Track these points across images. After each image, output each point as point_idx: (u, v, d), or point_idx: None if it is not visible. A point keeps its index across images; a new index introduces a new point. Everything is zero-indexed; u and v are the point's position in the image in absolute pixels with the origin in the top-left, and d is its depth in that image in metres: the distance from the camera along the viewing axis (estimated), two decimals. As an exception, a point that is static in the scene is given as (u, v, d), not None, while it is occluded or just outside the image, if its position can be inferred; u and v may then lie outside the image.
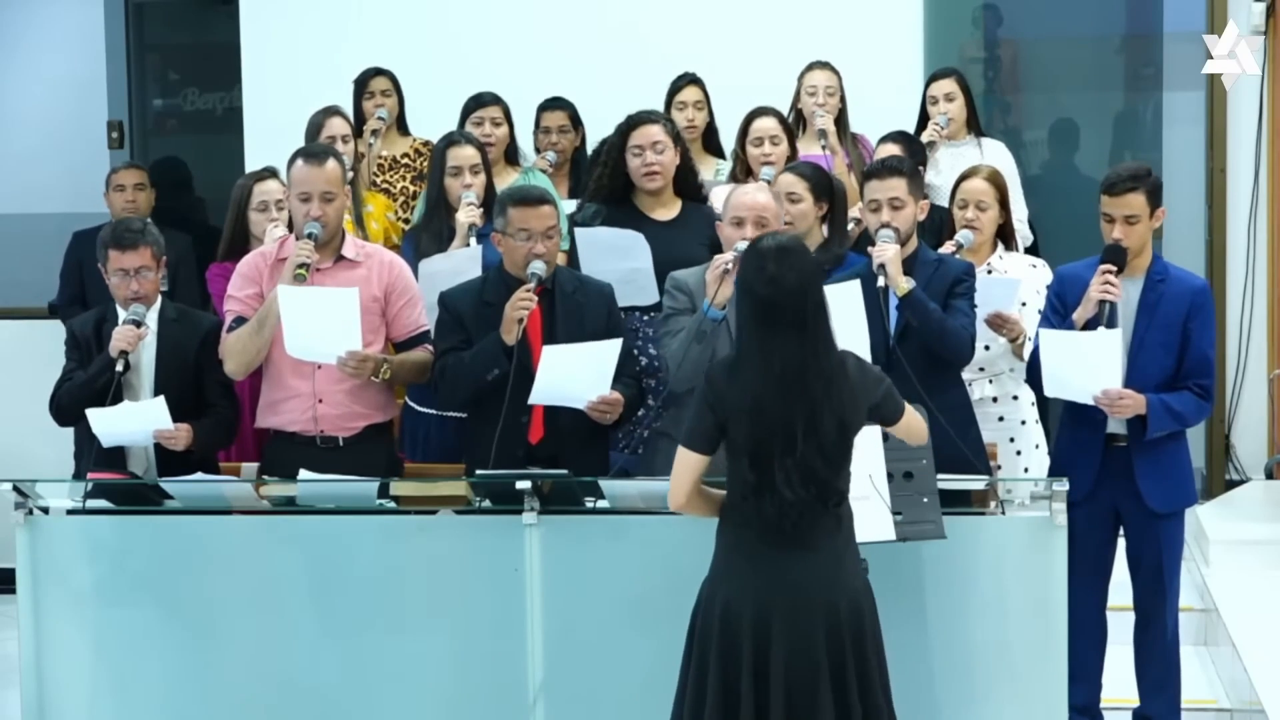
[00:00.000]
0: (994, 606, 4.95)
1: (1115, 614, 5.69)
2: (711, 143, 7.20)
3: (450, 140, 6.46)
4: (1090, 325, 5.38)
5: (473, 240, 6.15)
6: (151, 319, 5.75)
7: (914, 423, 4.54)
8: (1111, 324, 5.36)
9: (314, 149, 5.82)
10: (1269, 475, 8.03)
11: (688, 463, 4.40)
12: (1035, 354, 5.53)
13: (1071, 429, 5.61)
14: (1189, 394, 5.43)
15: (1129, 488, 5.45)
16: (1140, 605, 5.60)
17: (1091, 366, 5.32)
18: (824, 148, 7.03)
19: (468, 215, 6.21)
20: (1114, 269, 5.38)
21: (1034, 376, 5.60)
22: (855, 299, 5.30)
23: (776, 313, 4.29)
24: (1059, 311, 5.53)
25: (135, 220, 5.99)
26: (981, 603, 4.95)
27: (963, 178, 6.25)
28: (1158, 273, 5.49)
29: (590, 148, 7.06)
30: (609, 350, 5.28)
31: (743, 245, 5.40)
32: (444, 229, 6.28)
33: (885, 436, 4.70)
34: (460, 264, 5.98)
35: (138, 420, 5.59)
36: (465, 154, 6.37)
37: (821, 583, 4.32)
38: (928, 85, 7.35)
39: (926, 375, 5.29)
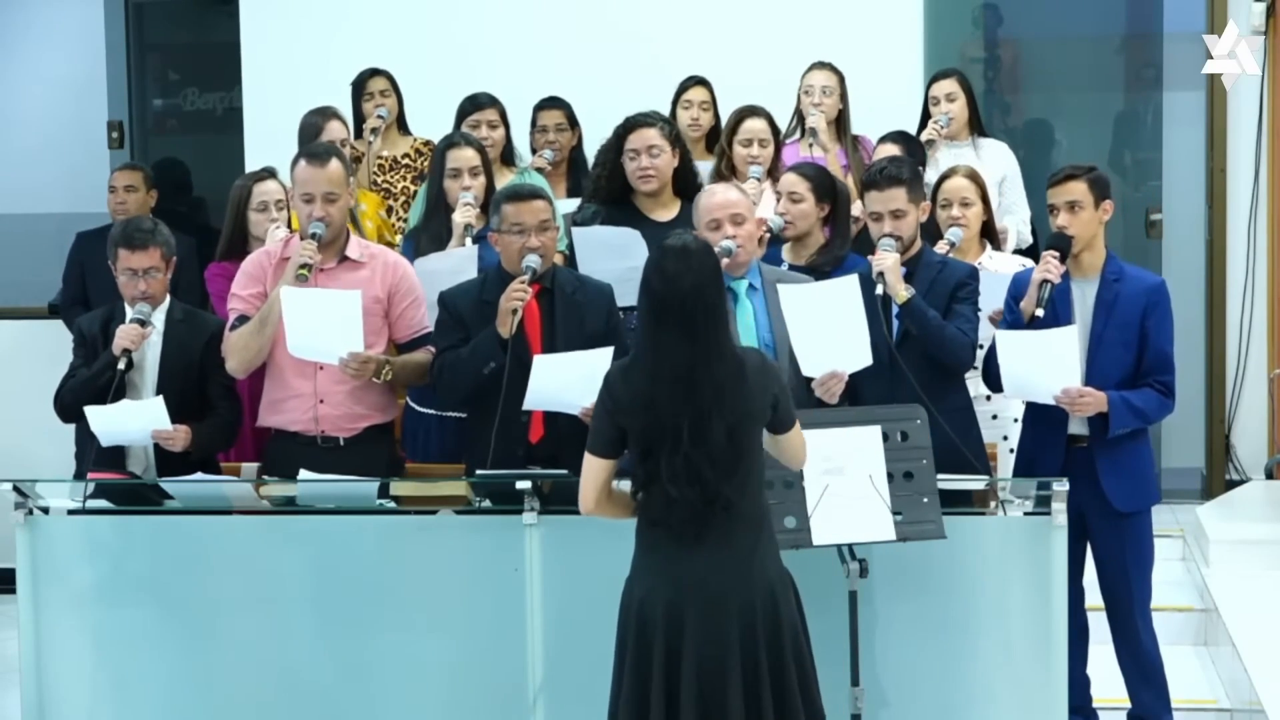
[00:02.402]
0: (994, 606, 4.96)
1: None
2: (715, 144, 7.20)
3: (450, 142, 6.46)
4: (1043, 322, 5.40)
5: (468, 240, 6.15)
6: (158, 319, 5.75)
7: (797, 444, 4.47)
8: (1056, 314, 5.38)
9: (316, 149, 5.78)
10: (1269, 475, 8.03)
11: (592, 467, 4.38)
12: (991, 352, 5.54)
13: (1033, 428, 5.63)
14: (1150, 391, 5.45)
15: (1092, 488, 5.43)
16: (1110, 606, 5.59)
17: (1050, 365, 5.34)
18: (810, 146, 7.02)
19: (464, 215, 6.21)
20: (1057, 253, 5.43)
21: (989, 375, 5.60)
22: (853, 294, 5.30)
23: (669, 312, 4.25)
24: (1015, 313, 5.55)
25: (146, 220, 5.95)
26: (981, 603, 4.96)
27: (943, 178, 6.29)
28: (1113, 272, 5.52)
29: (589, 148, 7.06)
30: (600, 359, 5.28)
31: (727, 244, 5.41)
32: (443, 231, 6.28)
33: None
34: (456, 264, 5.98)
35: (136, 419, 5.58)
36: (465, 156, 6.36)
37: (732, 580, 4.28)
38: (929, 85, 7.33)
39: (929, 378, 5.31)
